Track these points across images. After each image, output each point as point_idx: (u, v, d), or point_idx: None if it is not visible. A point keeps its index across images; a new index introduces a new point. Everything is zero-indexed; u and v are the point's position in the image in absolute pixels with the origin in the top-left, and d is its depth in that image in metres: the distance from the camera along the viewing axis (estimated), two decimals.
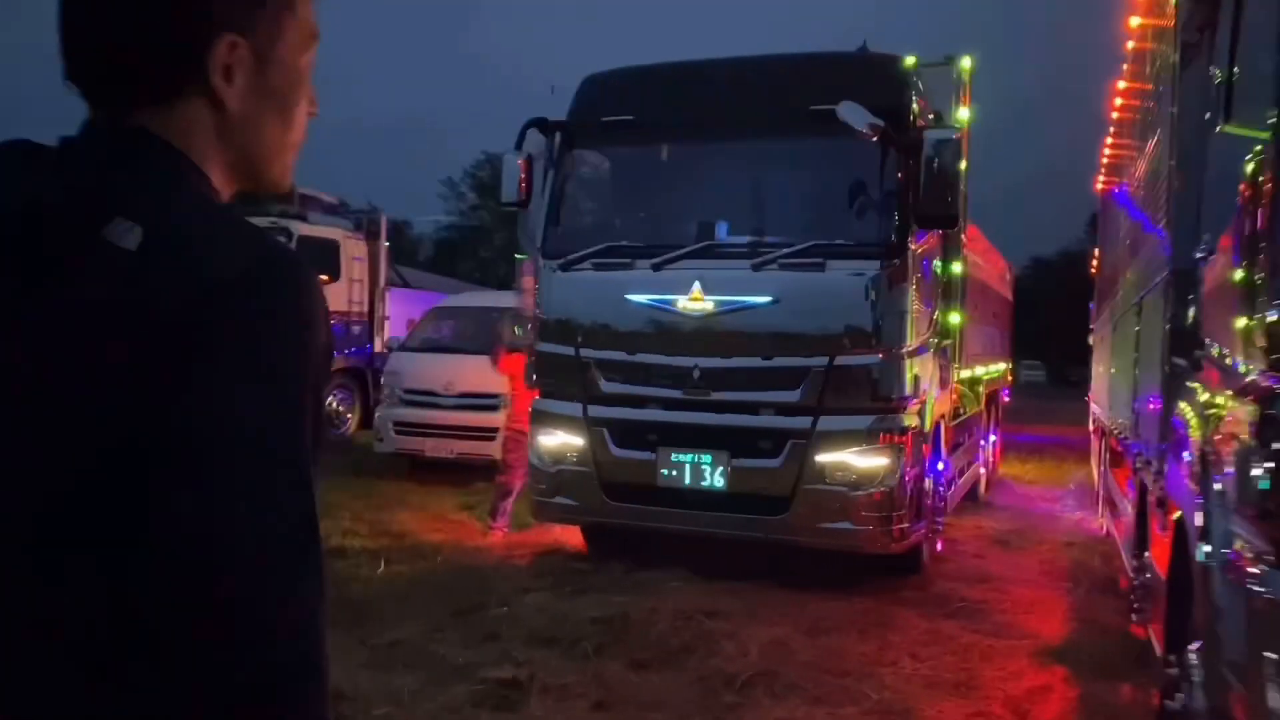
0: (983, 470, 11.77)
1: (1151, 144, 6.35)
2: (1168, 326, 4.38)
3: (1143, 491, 5.65)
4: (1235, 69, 3.38)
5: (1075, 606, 6.69)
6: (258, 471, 0.87)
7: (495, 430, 9.96)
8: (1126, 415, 6.67)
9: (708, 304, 6.70)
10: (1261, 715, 2.48)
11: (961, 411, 9.40)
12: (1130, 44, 7.53)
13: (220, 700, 0.83)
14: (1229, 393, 3.06)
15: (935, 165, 6.21)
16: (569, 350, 7.13)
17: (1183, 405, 3.91)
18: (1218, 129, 3.61)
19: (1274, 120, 2.67)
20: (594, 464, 7.05)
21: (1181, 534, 3.90)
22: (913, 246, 6.62)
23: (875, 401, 6.54)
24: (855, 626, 5.87)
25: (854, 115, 6.10)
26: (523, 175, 7.30)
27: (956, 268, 8.15)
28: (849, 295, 6.51)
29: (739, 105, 6.89)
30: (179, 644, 0.84)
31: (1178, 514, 3.99)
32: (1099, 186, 12.64)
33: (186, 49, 0.97)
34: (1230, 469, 2.93)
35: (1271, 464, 2.51)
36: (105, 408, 0.86)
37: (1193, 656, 3.55)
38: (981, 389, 11.27)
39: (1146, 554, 5.42)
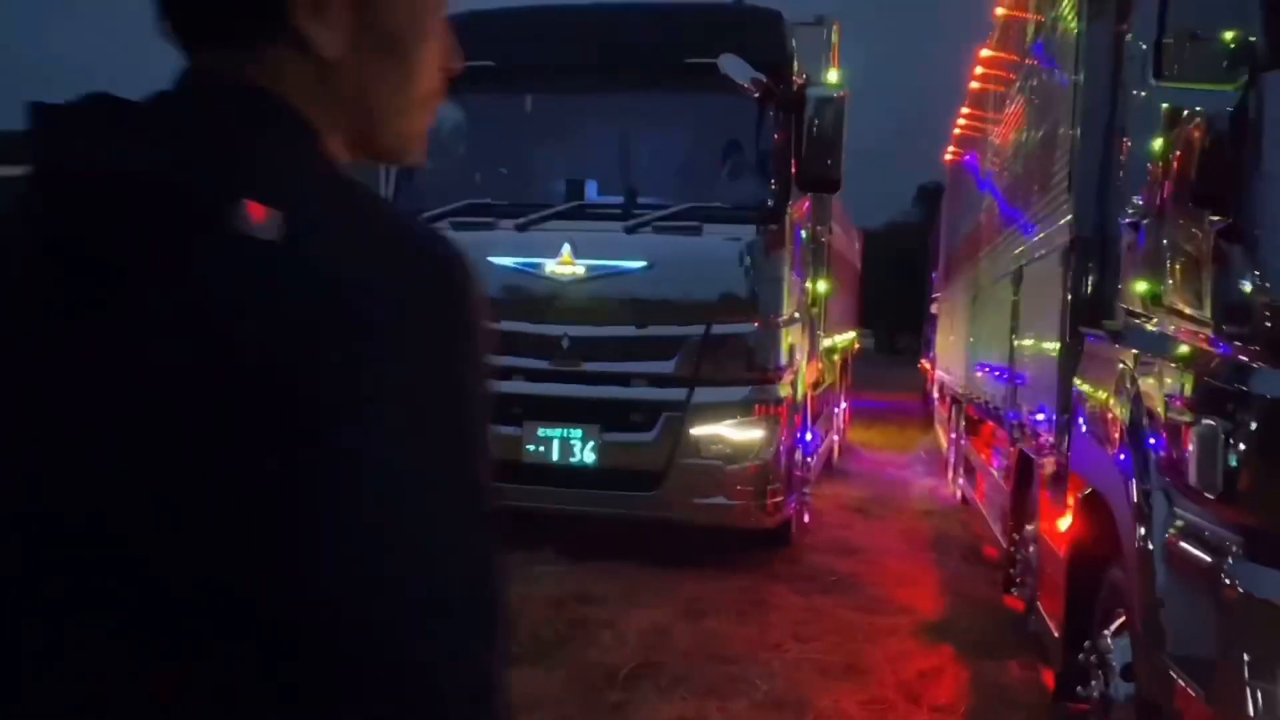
0: (836, 438, 11.83)
1: (1022, 113, 6.28)
2: (1068, 296, 4.24)
3: (1023, 462, 5.59)
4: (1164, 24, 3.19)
5: (944, 578, 6.66)
6: (431, 515, 0.72)
7: None
8: (996, 385, 6.65)
9: (578, 268, 6.28)
10: (1231, 712, 2.28)
11: (822, 380, 9.33)
12: (1000, 11, 7.49)
13: None
14: (1173, 365, 2.87)
15: (818, 125, 5.96)
16: None
17: (1095, 377, 3.75)
18: (1140, 91, 3.44)
19: (1242, 77, 2.46)
20: None
21: (1094, 512, 3.77)
22: (790, 211, 6.37)
23: (751, 372, 6.28)
24: (734, 608, 5.62)
25: (736, 69, 5.76)
26: None
27: (824, 234, 7.99)
28: (726, 261, 6.21)
29: (611, 54, 6.44)
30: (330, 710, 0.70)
31: (1086, 490, 3.85)
32: (948, 157, 12.85)
33: None
34: (1179, 448, 2.74)
35: (1242, 444, 2.31)
36: (241, 434, 0.70)
37: (1110, 642, 3.40)
38: (837, 357, 11.29)
39: (1029, 527, 5.37)
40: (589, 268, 6.24)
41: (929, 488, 10.54)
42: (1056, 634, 4.22)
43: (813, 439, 7.96)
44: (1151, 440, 2.91)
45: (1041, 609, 4.71)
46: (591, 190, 6.54)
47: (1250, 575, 2.25)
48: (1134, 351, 3.23)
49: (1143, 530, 2.88)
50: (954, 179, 12.68)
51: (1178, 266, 2.95)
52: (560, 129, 6.78)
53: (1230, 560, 2.31)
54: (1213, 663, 2.45)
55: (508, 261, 6.42)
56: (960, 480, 9.56)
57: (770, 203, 6.26)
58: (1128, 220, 3.31)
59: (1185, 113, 2.92)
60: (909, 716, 4.26)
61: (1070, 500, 4.14)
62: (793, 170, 6.23)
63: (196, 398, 0.69)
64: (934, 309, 16.31)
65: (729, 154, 6.44)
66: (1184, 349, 2.81)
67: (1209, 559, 2.48)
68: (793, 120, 6.14)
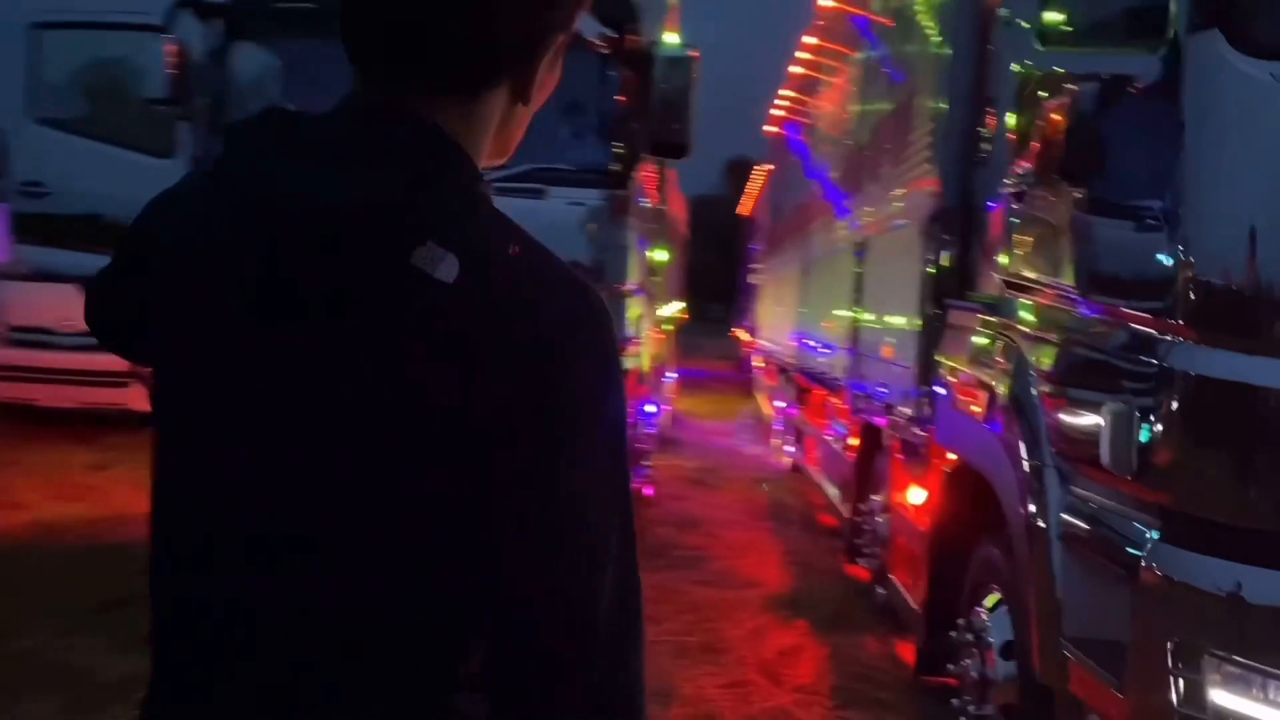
0: (667, 407, 11.78)
1: (866, 86, 6.27)
2: (929, 268, 4.18)
3: (869, 433, 5.59)
4: None
5: (786, 548, 6.65)
6: (595, 539, 0.85)
7: (128, 375, 8.42)
8: (835, 355, 6.66)
9: None
10: (1151, 701, 2.21)
11: (659, 352, 9.20)
12: None
13: None
14: (1070, 340, 2.79)
15: (667, 87, 5.71)
16: None
17: (965, 350, 3.70)
18: (1019, 60, 3.36)
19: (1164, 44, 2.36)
20: None
21: (962, 486, 3.73)
22: (636, 175, 6.12)
23: None
24: None
25: (583, 23, 5.43)
26: (173, 66, 5.96)
27: (664, 202, 7.80)
28: (569, 226, 5.89)
29: None
30: (511, 696, 0.85)
31: (953, 463, 3.81)
32: (770, 130, 12.94)
33: (535, 45, 0.93)
34: (1080, 426, 2.67)
35: (1161, 425, 2.23)
36: (427, 452, 0.83)
37: (986, 620, 3.36)
38: (668, 327, 11.20)
39: (876, 497, 5.37)
40: None
41: (758, 456, 10.64)
42: (917, 608, 4.19)
43: (656, 410, 7.80)
44: (1045, 417, 2.84)
45: (896, 581, 4.70)
46: None
47: (1172, 560, 2.17)
48: (1018, 325, 3.16)
49: (1034, 508, 2.81)
50: (777, 154, 12.79)
51: (1069, 238, 2.88)
52: None
53: (1149, 544, 2.22)
54: (1120, 648, 2.38)
55: None
56: (790, 448, 9.68)
57: (616, 166, 5.98)
58: (1009, 190, 3.23)
59: (1074, 80, 2.84)
60: (773, 698, 4.15)
61: (933, 473, 4.10)
62: (639, 133, 5.97)
63: (381, 418, 0.81)
64: (753, 280, 16.52)
65: (573, 114, 6.11)
66: (1083, 324, 2.73)
67: (1119, 541, 2.41)
68: (640, 81, 5.87)
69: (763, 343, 13.37)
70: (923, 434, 4.25)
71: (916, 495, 4.64)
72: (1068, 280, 2.85)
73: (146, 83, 6.15)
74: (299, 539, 0.85)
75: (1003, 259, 3.37)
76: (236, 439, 0.86)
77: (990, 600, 3.41)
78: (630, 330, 6.21)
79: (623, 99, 5.97)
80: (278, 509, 0.85)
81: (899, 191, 4.95)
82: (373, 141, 0.88)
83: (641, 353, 6.66)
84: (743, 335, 20.65)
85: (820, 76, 8.76)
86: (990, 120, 3.82)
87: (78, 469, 7.85)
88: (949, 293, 4.03)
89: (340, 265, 0.82)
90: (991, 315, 3.43)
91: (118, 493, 7.16)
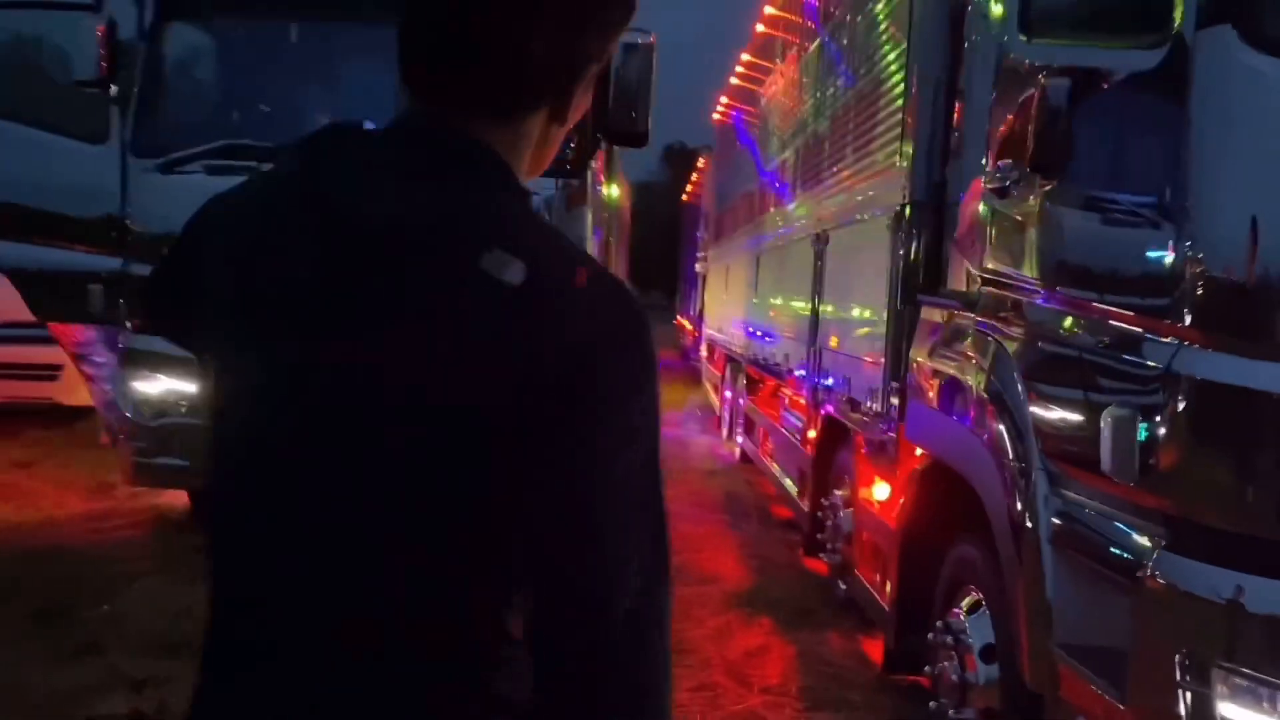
0: None
1: (825, 77, 6.19)
2: (900, 262, 4.12)
3: (830, 427, 5.54)
4: None
5: (743, 541, 6.59)
6: (634, 525, 0.92)
7: (57, 367, 8.07)
8: (791, 347, 6.59)
9: None
10: (1158, 715, 2.16)
11: None
12: None
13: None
14: (1064, 341, 2.74)
15: (624, 73, 5.58)
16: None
17: (941, 346, 3.64)
18: (999, 52, 3.30)
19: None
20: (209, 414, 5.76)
21: (935, 484, 3.67)
22: (592, 164, 5.98)
23: None
24: None
25: None
26: (102, 46, 5.66)
27: (615, 189, 7.67)
28: None
29: None
30: (548, 671, 0.93)
31: (926, 461, 3.75)
32: (717, 118, 12.85)
33: (573, 74, 1.00)
34: (1077, 429, 2.61)
35: (1167, 430, 2.17)
36: (481, 443, 0.89)
37: (965, 622, 3.31)
38: None
39: (839, 492, 5.32)
40: None
41: (707, 446, 10.58)
42: (886, 606, 4.14)
43: None
44: (1032, 418, 2.77)
45: (861, 577, 4.66)
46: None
47: (1179, 569, 2.12)
48: (1002, 323, 3.10)
49: (1023, 511, 2.75)
50: (724, 141, 12.70)
51: (1062, 236, 2.82)
52: (332, 59, 6.04)
53: (1154, 552, 2.17)
54: (1119, 655, 2.33)
55: None
56: (741, 439, 9.63)
57: (571, 154, 5.84)
58: (991, 185, 3.16)
59: (1063, 73, 2.77)
60: (742, 700, 4.07)
61: (903, 469, 4.05)
62: (595, 121, 5.83)
63: (458, 388, 0.89)
64: (699, 268, 16.46)
65: None
66: (1075, 324, 2.67)
67: (1119, 548, 2.35)
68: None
69: (709, 332, 13.30)
70: (891, 430, 4.20)
71: (882, 490, 4.59)
72: (1060, 280, 2.79)
73: (76, 64, 5.82)
74: (358, 528, 0.92)
75: (983, 255, 3.31)
76: (300, 434, 0.93)
77: (968, 601, 3.36)
78: None
79: None
80: (339, 499, 0.92)
81: (864, 183, 4.88)
82: (434, 158, 0.96)
83: None
84: (686, 324, 20.61)
85: (774, 65, 8.67)
86: (960, 113, 3.77)
87: (2, 466, 7.50)
88: (921, 287, 3.98)
89: (412, 270, 0.91)
90: (970, 312, 3.37)
91: (46, 493, 6.85)
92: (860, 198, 4.93)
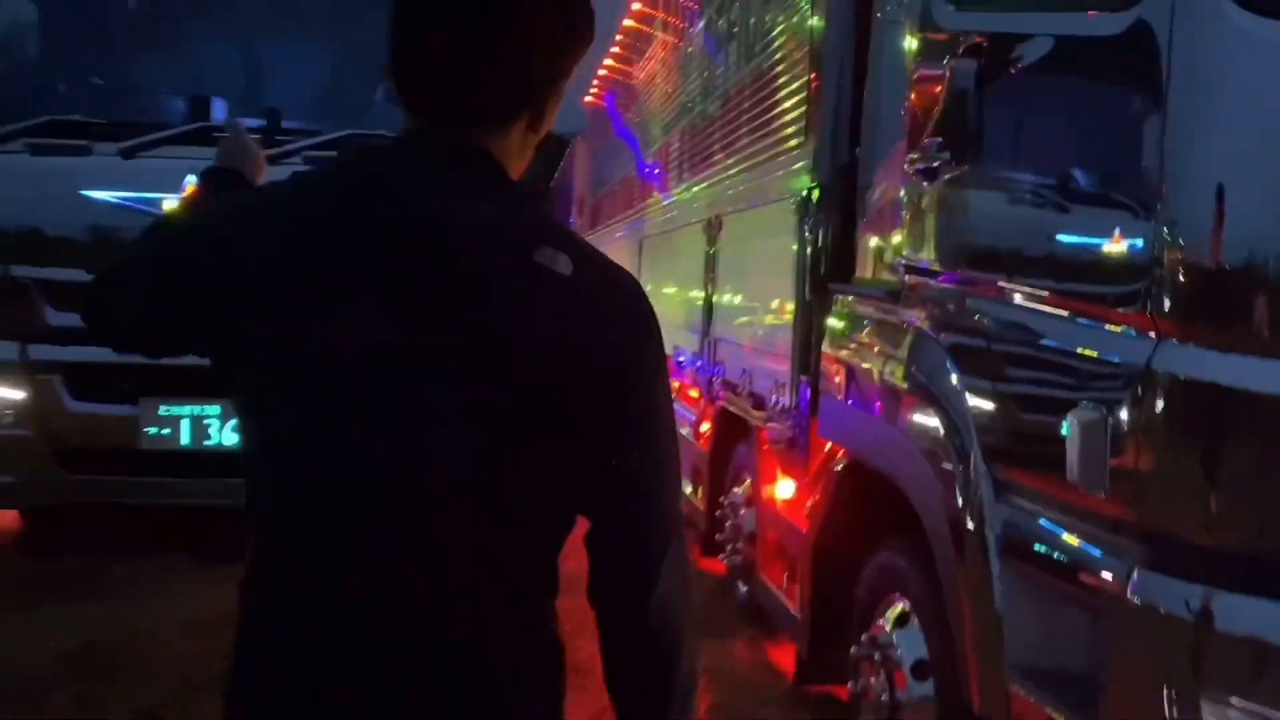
0: None
1: (712, 55, 5.93)
2: (807, 249, 3.87)
3: (726, 421, 5.29)
4: None
5: None
6: (674, 454, 1.27)
7: None
8: (682, 338, 6.33)
9: None
10: None
11: None
12: None
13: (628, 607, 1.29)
14: (1012, 335, 2.51)
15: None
16: None
17: (860, 340, 3.40)
18: (915, 29, 3.06)
19: None
20: (40, 425, 5.12)
21: (854, 486, 3.45)
22: None
23: None
24: None
25: None
26: None
27: None
28: None
29: None
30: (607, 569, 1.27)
31: (843, 461, 3.52)
32: (589, 100, 12.50)
33: (547, 88, 1.20)
34: (1032, 433, 2.39)
35: (1144, 435, 1.96)
36: (559, 403, 1.13)
37: (892, 635, 3.09)
38: None
39: (738, 490, 5.08)
40: None
41: None
42: (796, 613, 3.91)
43: None
44: (972, 420, 2.55)
45: (766, 581, 4.42)
46: (219, 109, 5.30)
47: (1160, 589, 1.91)
48: (933, 315, 2.86)
49: (965, 521, 2.52)
50: (597, 125, 12.37)
51: (1010, 220, 2.60)
52: (176, 24, 5.44)
53: (1131, 571, 1.95)
54: (1084, 681, 2.12)
55: (109, 196, 5.06)
56: None
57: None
58: (916, 166, 2.92)
59: (1003, 42, 2.55)
60: None
61: (816, 469, 3.82)
62: None
63: (516, 380, 1.12)
64: None
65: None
66: (1024, 317, 2.45)
67: (1084, 565, 2.14)
68: None
69: None
70: (799, 426, 3.96)
71: (787, 488, 4.36)
72: (1004, 268, 2.57)
73: None
74: (461, 493, 1.12)
75: (907, 241, 3.07)
76: (397, 410, 1.10)
77: (894, 612, 3.14)
78: None
79: None
80: (441, 466, 1.12)
81: (763, 167, 4.62)
82: (460, 166, 1.16)
83: None
84: None
85: (652, 42, 8.39)
86: (871, 91, 3.54)
87: None
88: (831, 276, 3.74)
89: (480, 261, 1.12)
90: (892, 302, 3.14)
91: None
92: (758, 182, 4.68)
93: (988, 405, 2.55)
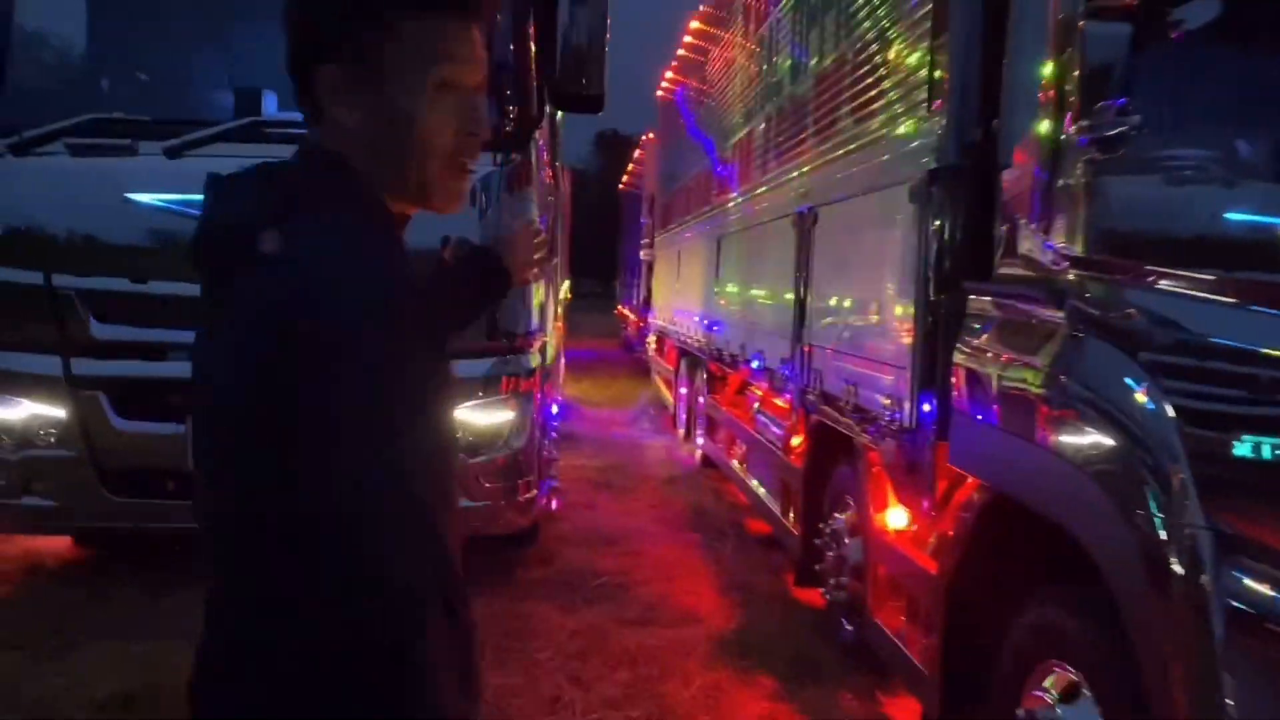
0: (560, 397, 10.79)
1: (805, 33, 5.40)
2: (931, 244, 3.32)
3: (823, 437, 4.75)
4: None
5: (719, 566, 5.78)
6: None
7: None
8: (767, 342, 5.79)
9: None
10: None
11: (559, 341, 8.19)
12: None
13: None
14: (1235, 352, 1.95)
15: (575, 26, 4.72)
16: (33, 277, 4.72)
17: (1007, 348, 2.84)
18: None
19: None
20: (85, 444, 4.78)
21: (997, 524, 2.89)
22: (538, 136, 5.10)
23: (495, 339, 4.99)
24: (488, 641, 4.39)
25: None
26: None
27: (559, 166, 6.79)
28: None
29: None
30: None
31: (984, 495, 2.97)
32: (661, 95, 12.01)
33: (301, 78, 1.25)
34: (1261, 471, 1.83)
35: None
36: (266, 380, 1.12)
37: (1058, 711, 2.53)
38: (560, 309, 10.19)
39: (843, 516, 4.53)
40: None
41: (664, 449, 9.78)
42: (924, 667, 3.36)
43: (558, 411, 6.82)
44: (1190, 455, 1.99)
45: (882, 625, 3.86)
46: (271, 103, 4.91)
47: None
48: (1127, 323, 2.30)
49: (1177, 586, 1.96)
50: (669, 120, 11.87)
51: (1208, 199, 2.03)
52: (226, 20, 5.07)
53: None
54: None
55: (153, 199, 4.69)
56: (701, 440, 8.83)
57: (513, 126, 4.95)
58: (1091, 136, 2.37)
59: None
60: None
61: (947, 501, 3.27)
62: (539, 85, 4.95)
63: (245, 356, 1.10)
64: (644, 256, 15.60)
65: None
66: (1251, 319, 1.88)
67: None
68: (543, 17, 4.86)
69: (658, 323, 12.46)
70: (922, 448, 3.41)
71: (903, 518, 3.83)
72: (1215, 258, 2.01)
73: None
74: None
75: (1074, 229, 2.51)
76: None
77: (1055, 681, 2.58)
78: (534, 321, 5.21)
79: (522, 42, 4.94)
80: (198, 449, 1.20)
81: (869, 150, 4.08)
82: (286, 165, 1.29)
83: (546, 345, 5.67)
84: (629, 314, 19.74)
85: (729, 29, 7.87)
86: (1012, 50, 2.98)
87: None
88: (963, 272, 3.19)
89: (222, 258, 1.22)
90: (1054, 305, 2.58)
91: None
92: (863, 167, 4.13)
93: (1203, 433, 1.99)
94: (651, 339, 13.47)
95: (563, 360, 11.79)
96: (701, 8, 8.83)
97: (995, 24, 3.11)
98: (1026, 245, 2.83)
